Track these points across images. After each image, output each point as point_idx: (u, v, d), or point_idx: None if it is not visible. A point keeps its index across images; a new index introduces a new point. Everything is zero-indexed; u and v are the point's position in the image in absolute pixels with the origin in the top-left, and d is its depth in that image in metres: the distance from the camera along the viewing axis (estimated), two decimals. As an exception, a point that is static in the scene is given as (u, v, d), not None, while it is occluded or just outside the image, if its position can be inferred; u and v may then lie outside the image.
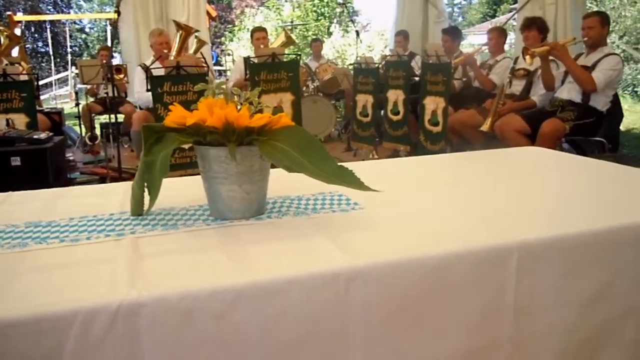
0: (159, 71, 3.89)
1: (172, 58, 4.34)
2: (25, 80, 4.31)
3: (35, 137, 3.61)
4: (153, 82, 3.77)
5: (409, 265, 0.92)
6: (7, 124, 3.83)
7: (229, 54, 9.72)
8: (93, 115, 6.21)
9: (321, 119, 6.38)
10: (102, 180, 4.62)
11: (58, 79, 16.34)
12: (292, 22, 15.57)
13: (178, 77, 3.75)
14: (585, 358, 1.07)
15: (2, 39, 5.60)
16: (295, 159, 1.04)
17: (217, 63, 12.08)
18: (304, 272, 0.88)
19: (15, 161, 3.48)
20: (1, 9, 18.32)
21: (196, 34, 5.11)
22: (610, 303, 1.07)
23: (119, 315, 0.78)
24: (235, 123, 1.04)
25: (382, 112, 4.99)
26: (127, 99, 6.05)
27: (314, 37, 12.33)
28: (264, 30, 5.87)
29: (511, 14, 9.39)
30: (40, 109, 5.99)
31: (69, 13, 21.99)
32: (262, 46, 5.40)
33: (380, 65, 5.13)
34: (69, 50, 18.06)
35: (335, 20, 17.54)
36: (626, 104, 8.95)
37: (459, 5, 25.29)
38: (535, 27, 4.35)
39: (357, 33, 8.13)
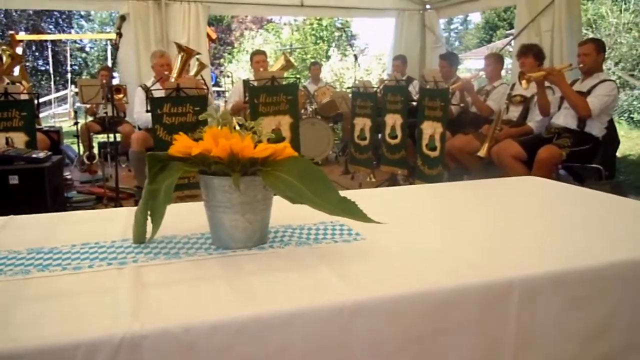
0: (159, 92, 3.91)
1: (172, 80, 4.37)
2: (26, 99, 4.32)
3: (33, 156, 3.62)
4: (153, 103, 3.79)
5: (412, 300, 0.92)
6: (6, 143, 3.83)
7: (228, 76, 9.79)
8: (91, 134, 6.23)
9: (319, 142, 6.41)
10: (99, 199, 4.61)
11: (57, 97, 16.40)
12: (291, 45, 15.76)
13: (178, 99, 3.77)
14: (587, 393, 1.07)
15: (4, 58, 5.63)
16: (299, 189, 1.05)
17: (216, 84, 12.17)
18: (308, 305, 0.88)
19: (13, 179, 3.47)
20: (3, 28, 18.47)
21: (197, 56, 5.15)
22: (611, 338, 1.07)
23: (121, 347, 0.78)
24: (240, 154, 1.05)
25: (380, 135, 5.02)
26: (126, 118, 6.07)
27: (313, 60, 12.45)
28: (263, 53, 5.93)
29: (507, 39, 9.52)
30: (39, 127, 6.00)
31: (70, 33, 22.16)
32: (261, 69, 5.44)
33: (378, 89, 5.18)
34: (69, 69, 18.17)
35: (333, 44, 17.71)
36: (622, 130, 9.02)
37: (456, 31, 25.61)
38: (531, 53, 4.41)
39: (355, 57, 8.22)
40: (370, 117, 5.03)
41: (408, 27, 7.75)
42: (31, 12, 19.21)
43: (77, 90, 6.43)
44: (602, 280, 1.06)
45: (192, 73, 5.28)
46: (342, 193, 1.09)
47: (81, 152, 6.36)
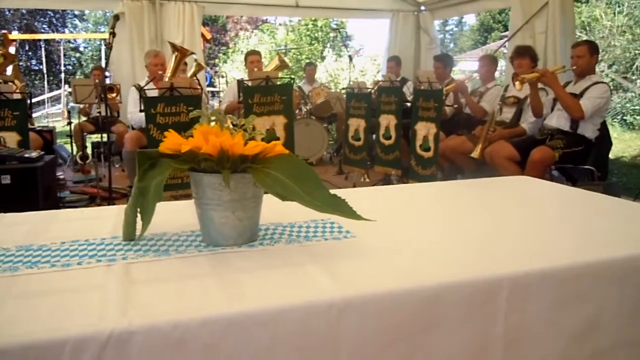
0: (152, 92, 3.90)
1: (166, 79, 4.37)
2: (19, 99, 4.30)
3: (26, 155, 3.60)
4: (146, 102, 3.78)
5: (400, 297, 0.92)
6: (-2, 142, 3.82)
7: (222, 76, 9.78)
8: (85, 134, 6.21)
9: (313, 142, 6.42)
10: (92, 199, 4.60)
11: (51, 97, 16.34)
12: (285, 45, 15.76)
13: (171, 99, 3.77)
14: (575, 390, 1.07)
15: (-3, 57, 5.61)
16: (289, 187, 1.05)
17: (211, 84, 12.15)
18: (296, 302, 0.88)
19: (5, 179, 3.46)
20: (-4, 27, 18.40)
21: (195, 57, 5.13)
22: (600, 335, 1.08)
23: (109, 344, 0.77)
24: (230, 151, 1.04)
25: (374, 136, 5.03)
26: (120, 118, 6.05)
27: (308, 61, 12.45)
28: (258, 53, 5.93)
29: (502, 41, 9.55)
30: (32, 127, 5.98)
31: (63, 32, 22.08)
32: (256, 69, 5.44)
33: (372, 90, 5.19)
34: (62, 68, 18.11)
35: (328, 45, 17.72)
36: (615, 132, 9.08)
37: (451, 32, 25.71)
38: (528, 55, 4.44)
39: (350, 58, 8.23)
40: (365, 117, 5.03)
41: (403, 28, 7.77)
42: (24, 11, 19.14)
43: (70, 90, 6.41)
44: (590, 277, 1.06)
45: (189, 74, 5.28)
46: (333, 191, 1.10)
47: (74, 152, 6.34)
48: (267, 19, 19.09)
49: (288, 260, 1.07)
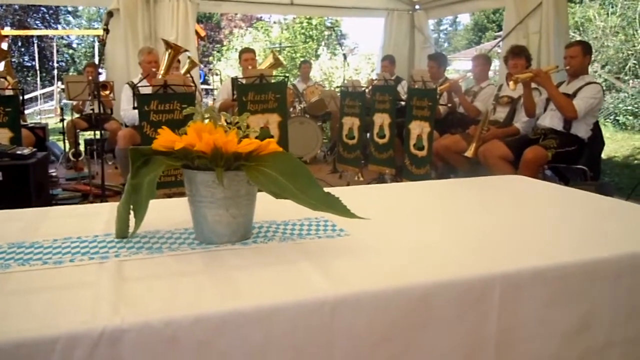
0: (146, 89, 3.88)
1: (160, 77, 4.34)
2: (11, 95, 4.27)
3: (18, 152, 3.57)
4: (140, 99, 3.76)
5: (393, 295, 0.93)
6: (-10, 139, 3.79)
7: (216, 74, 9.76)
8: (78, 131, 6.17)
9: (307, 141, 6.41)
10: (85, 197, 4.57)
11: (43, 94, 16.23)
12: (280, 43, 15.73)
13: (165, 96, 3.75)
14: (567, 389, 1.08)
15: (-11, 53, 5.57)
16: (282, 185, 1.05)
17: (205, 82, 12.12)
18: (290, 299, 0.88)
19: (-3, 176, 3.43)
20: (-12, 23, 18.25)
21: (188, 54, 5.11)
22: (593, 334, 1.08)
23: (101, 341, 0.77)
24: (223, 148, 1.04)
25: (368, 135, 5.03)
26: (113, 115, 6.02)
27: (303, 59, 12.44)
28: (252, 51, 5.91)
29: (496, 41, 9.58)
30: (25, 123, 5.94)
31: (56, 28, 21.95)
32: (250, 67, 5.43)
33: (367, 89, 5.19)
34: (55, 65, 18.00)
35: (323, 43, 17.71)
36: (608, 132, 9.12)
37: (445, 32, 25.76)
38: (524, 55, 4.45)
39: (345, 56, 8.21)
40: (359, 116, 5.03)
41: (397, 27, 7.78)
42: (17, 7, 18.99)
43: (63, 86, 6.37)
44: (584, 276, 1.07)
45: (182, 71, 5.25)
46: (327, 189, 1.09)
47: (67, 149, 6.31)
48: (261, 17, 19.05)
49: (281, 258, 1.07)
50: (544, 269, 1.03)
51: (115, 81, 5.86)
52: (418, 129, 4.21)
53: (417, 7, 7.77)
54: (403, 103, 4.79)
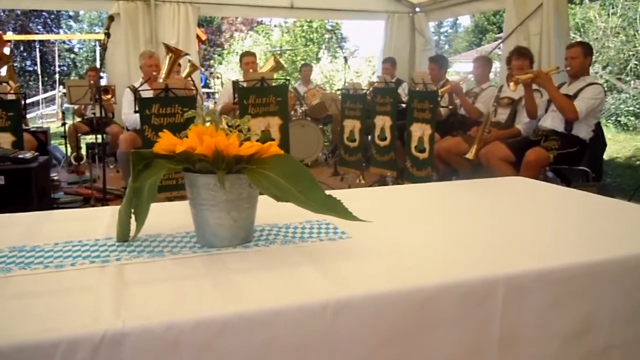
0: (147, 93, 3.89)
1: (161, 80, 4.35)
2: (13, 99, 4.27)
3: (20, 156, 3.58)
4: (141, 103, 3.77)
5: (396, 298, 0.92)
6: (-8, 143, 3.80)
7: (217, 77, 9.77)
8: (79, 135, 6.18)
9: (309, 144, 6.41)
10: (86, 200, 4.58)
11: (45, 98, 16.26)
12: (281, 47, 15.75)
13: (166, 100, 3.75)
14: (570, 391, 1.07)
15: (-9, 58, 5.58)
16: (284, 187, 1.04)
17: (206, 85, 12.14)
18: (291, 303, 0.88)
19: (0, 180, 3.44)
20: (-9, 28, 18.31)
21: (189, 58, 5.12)
22: (595, 335, 1.08)
23: (102, 345, 0.77)
24: (224, 151, 1.04)
25: (370, 137, 5.03)
26: (114, 119, 6.03)
27: (303, 62, 12.45)
28: (253, 54, 5.92)
29: (496, 43, 9.58)
30: (27, 127, 5.95)
31: (58, 33, 22.00)
32: (251, 70, 5.43)
33: (368, 92, 5.19)
34: (57, 69, 18.03)
35: (323, 46, 17.72)
36: (609, 133, 9.10)
37: (445, 34, 25.76)
38: (527, 56, 4.45)
39: (345, 59, 8.20)
40: (360, 119, 5.03)
41: (398, 30, 7.79)
42: (19, 12, 19.05)
43: (65, 90, 6.38)
44: (586, 278, 1.06)
45: (183, 74, 5.26)
46: (328, 192, 1.09)
47: (69, 153, 6.31)
48: (262, 20, 19.07)
49: (283, 261, 1.07)
50: (547, 270, 1.03)
51: (117, 85, 5.87)
52: (419, 131, 4.21)
53: (417, 9, 7.77)
54: (404, 105, 4.79)
